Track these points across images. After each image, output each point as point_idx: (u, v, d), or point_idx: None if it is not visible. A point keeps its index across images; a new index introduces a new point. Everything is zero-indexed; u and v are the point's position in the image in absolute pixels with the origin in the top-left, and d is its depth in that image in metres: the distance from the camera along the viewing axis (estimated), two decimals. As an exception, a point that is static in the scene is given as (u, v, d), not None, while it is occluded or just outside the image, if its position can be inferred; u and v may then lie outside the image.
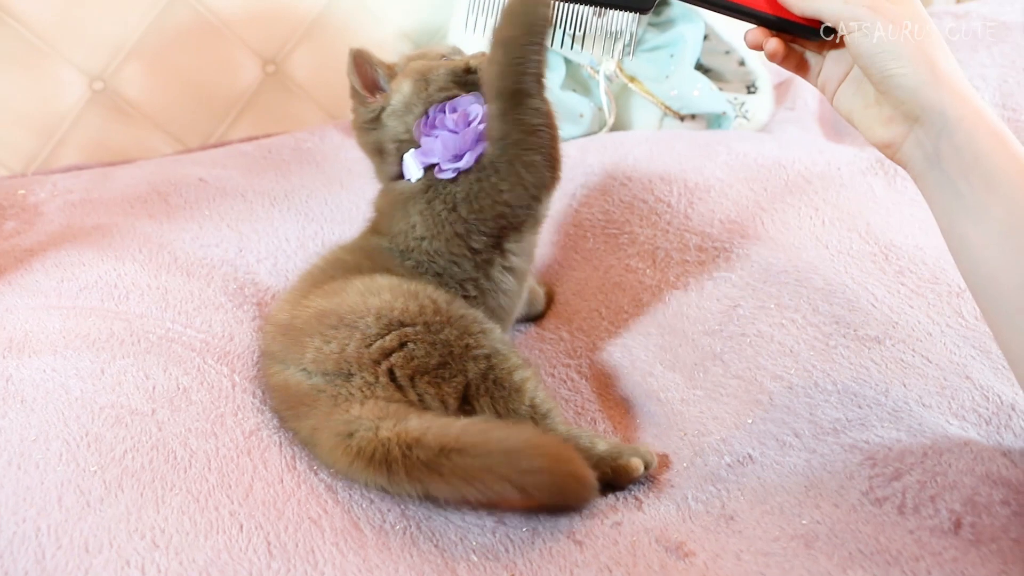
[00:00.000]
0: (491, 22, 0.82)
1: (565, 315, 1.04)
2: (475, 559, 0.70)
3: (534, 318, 1.04)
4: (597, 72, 1.38)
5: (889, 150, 0.74)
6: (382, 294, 0.81)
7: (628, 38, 0.79)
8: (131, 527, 0.67)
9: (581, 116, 1.38)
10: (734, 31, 1.42)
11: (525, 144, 0.84)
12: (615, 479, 0.78)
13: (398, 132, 0.90)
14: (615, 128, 1.41)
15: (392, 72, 0.92)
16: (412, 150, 0.89)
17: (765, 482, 0.76)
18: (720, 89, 1.43)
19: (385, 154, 0.92)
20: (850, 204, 1.11)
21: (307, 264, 0.96)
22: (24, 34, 1.36)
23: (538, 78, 0.83)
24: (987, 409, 0.81)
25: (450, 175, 0.86)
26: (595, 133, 1.39)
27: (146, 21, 1.42)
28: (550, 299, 1.07)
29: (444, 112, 0.87)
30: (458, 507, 0.74)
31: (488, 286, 0.89)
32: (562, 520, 0.74)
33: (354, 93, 0.92)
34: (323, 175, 1.27)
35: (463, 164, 0.86)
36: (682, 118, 1.40)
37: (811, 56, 0.78)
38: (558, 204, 1.15)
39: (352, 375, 0.78)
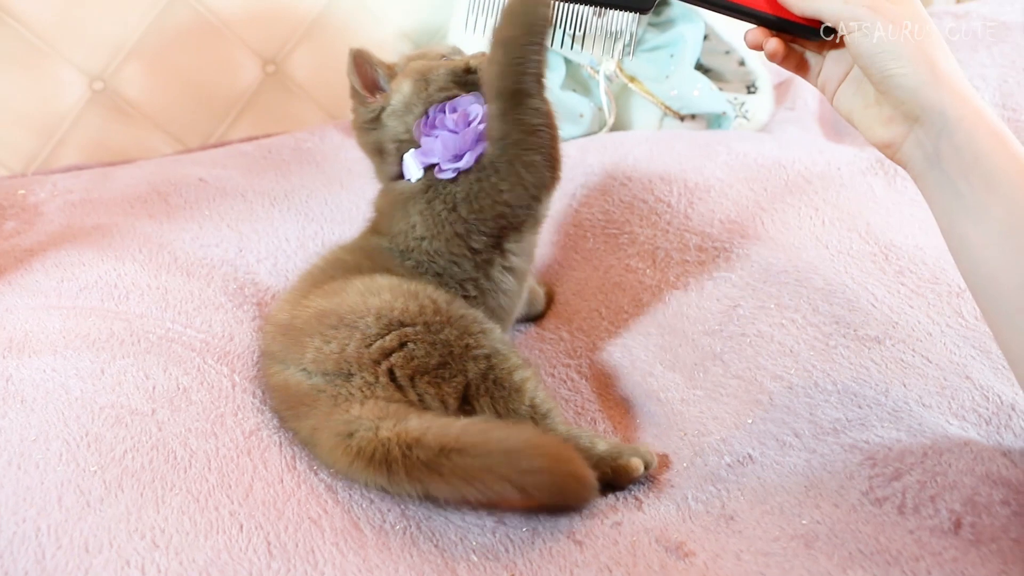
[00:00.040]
0: (491, 22, 0.82)
1: (565, 315, 1.04)
2: (475, 559, 0.70)
3: (534, 318, 1.04)
4: (597, 72, 1.38)
5: (889, 150, 0.74)
6: (382, 294, 0.81)
7: (628, 38, 0.79)
8: (131, 527, 0.67)
9: (581, 116, 1.38)
10: (734, 31, 1.42)
11: (525, 144, 0.84)
12: (615, 479, 0.78)
13: (398, 132, 0.90)
14: (615, 128, 1.41)
15: (392, 72, 0.92)
16: (412, 150, 0.89)
17: (765, 482, 0.76)
18: (720, 89, 1.43)
19: (385, 154, 0.92)
20: (850, 204, 1.11)
21: (307, 264, 0.96)
22: (24, 34, 1.36)
23: (538, 78, 0.83)
24: (987, 409, 0.81)
25: (450, 175, 0.86)
26: (595, 133, 1.39)
27: (146, 21, 1.42)
28: (550, 299, 1.07)
29: (444, 112, 0.87)
30: (458, 507, 0.74)
31: (488, 286, 0.89)
32: (562, 520, 0.74)
33: (354, 93, 0.92)
34: (323, 175, 1.27)
35: (463, 164, 0.86)
36: (682, 118, 1.40)
37: (811, 56, 0.78)
38: (558, 204, 1.15)
39: (352, 375, 0.78)
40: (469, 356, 0.80)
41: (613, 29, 0.79)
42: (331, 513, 0.72)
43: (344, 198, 1.20)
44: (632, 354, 0.95)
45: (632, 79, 1.39)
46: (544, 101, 0.84)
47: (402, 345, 0.79)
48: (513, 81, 0.82)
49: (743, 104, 1.43)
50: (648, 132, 1.36)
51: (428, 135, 0.87)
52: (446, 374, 0.79)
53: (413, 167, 0.88)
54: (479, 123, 0.86)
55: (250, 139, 1.46)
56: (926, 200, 0.73)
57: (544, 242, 1.11)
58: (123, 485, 0.70)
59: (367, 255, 0.90)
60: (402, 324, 0.80)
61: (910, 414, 0.80)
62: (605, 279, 1.06)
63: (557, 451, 0.73)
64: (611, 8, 0.78)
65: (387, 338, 0.79)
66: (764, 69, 1.47)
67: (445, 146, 0.86)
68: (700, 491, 0.77)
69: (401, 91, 0.90)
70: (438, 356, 0.79)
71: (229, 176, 1.25)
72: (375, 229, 0.93)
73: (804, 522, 0.71)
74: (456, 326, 0.80)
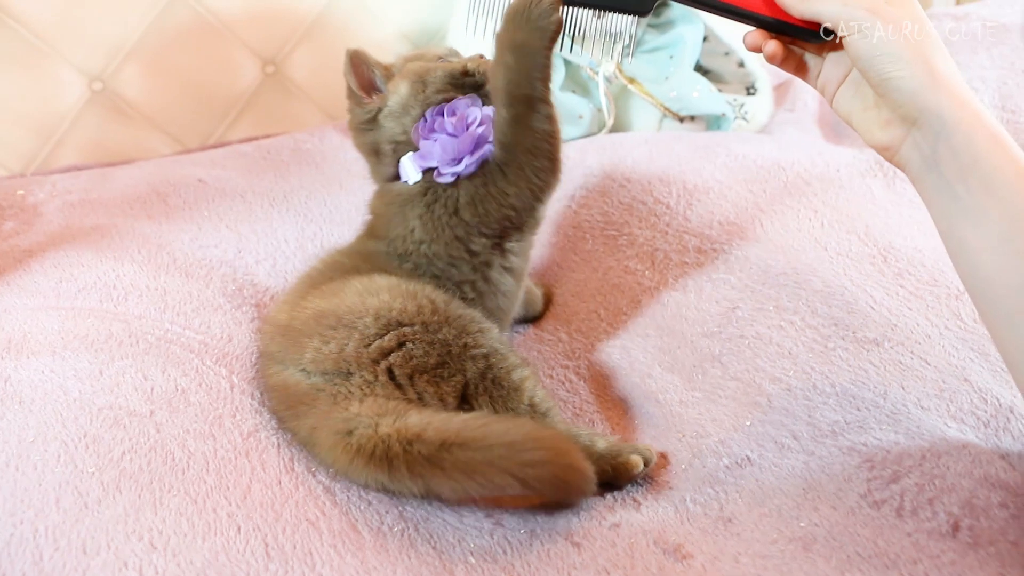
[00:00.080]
0: (492, 25, 0.82)
1: (564, 316, 1.04)
2: (473, 561, 0.70)
3: (532, 319, 1.04)
4: (596, 73, 1.38)
5: (887, 153, 0.74)
6: (380, 294, 0.81)
7: (627, 40, 0.79)
8: (129, 529, 0.67)
9: (580, 117, 1.38)
10: (734, 32, 1.42)
11: (537, 150, 0.85)
12: (615, 477, 0.78)
13: (395, 133, 0.90)
14: (614, 129, 1.41)
15: (389, 73, 0.92)
16: (410, 153, 0.89)
17: (763, 484, 0.76)
18: (719, 90, 1.43)
19: (381, 155, 0.92)
20: (849, 206, 1.11)
21: (306, 266, 0.96)
22: (24, 34, 1.36)
23: (547, 82, 0.83)
24: (985, 412, 0.81)
25: (449, 179, 0.87)
26: (594, 134, 1.39)
27: (146, 22, 1.42)
28: (548, 300, 1.07)
29: (442, 115, 0.87)
30: (456, 508, 0.74)
31: (486, 288, 0.89)
32: (560, 521, 0.74)
33: (350, 94, 0.92)
34: (322, 176, 1.27)
35: (461, 168, 0.86)
36: (681, 119, 1.40)
37: (810, 58, 0.78)
38: (557, 205, 1.15)
39: (351, 374, 0.78)
40: (467, 355, 0.80)
41: (612, 31, 0.79)
42: (329, 515, 0.72)
43: (343, 199, 1.20)
44: (630, 355, 0.95)
45: (631, 80, 1.39)
46: (551, 105, 0.84)
47: (400, 345, 0.79)
48: (527, 87, 0.82)
49: (742, 105, 1.43)
50: (647, 133, 1.36)
51: (426, 138, 0.87)
52: (445, 373, 0.79)
53: (411, 170, 0.88)
54: (478, 126, 0.86)
55: (249, 140, 1.46)
56: (924, 203, 0.73)
57: (543, 243, 1.12)
58: (121, 487, 0.70)
59: (365, 259, 0.90)
60: (400, 324, 0.80)
61: (908, 416, 0.80)
62: (604, 280, 1.06)
63: (557, 443, 0.73)
64: (610, 11, 0.78)
65: (386, 338, 0.79)
66: (763, 71, 1.47)
67: (444, 149, 0.86)
68: (698, 493, 0.77)
69: (398, 92, 0.90)
70: (436, 355, 0.79)
71: (228, 177, 1.25)
72: (371, 233, 0.93)
73: (802, 525, 0.71)
74: (454, 325, 0.81)
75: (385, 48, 1.58)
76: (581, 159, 1.22)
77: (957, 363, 0.86)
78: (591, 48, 0.79)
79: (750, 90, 1.46)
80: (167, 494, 0.70)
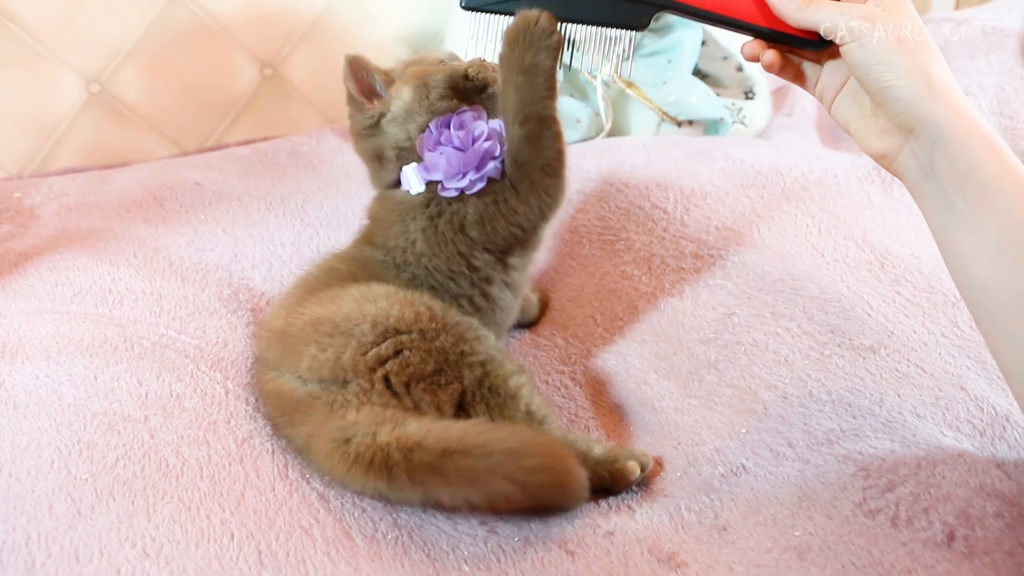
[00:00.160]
0: (492, 46, 0.82)
1: (560, 321, 1.04)
2: (467, 569, 0.70)
3: (528, 324, 1.04)
4: (594, 78, 1.38)
5: (884, 161, 0.74)
6: (378, 301, 0.81)
7: (624, 54, 0.79)
8: (122, 536, 0.67)
9: (578, 121, 1.38)
10: (732, 37, 1.41)
11: (550, 168, 0.85)
12: (612, 484, 0.78)
13: (399, 139, 0.90)
14: (612, 133, 1.40)
15: (389, 78, 0.91)
16: (414, 164, 0.88)
17: (758, 492, 0.76)
18: (718, 95, 1.43)
19: (384, 160, 0.91)
20: (847, 212, 1.11)
21: (302, 270, 0.96)
22: (22, 36, 1.36)
23: (555, 100, 0.84)
24: (981, 420, 0.81)
25: (453, 193, 0.86)
26: (592, 138, 1.39)
27: (143, 24, 1.42)
28: (544, 305, 1.06)
29: (449, 127, 0.87)
30: (450, 515, 0.74)
31: (484, 304, 0.89)
32: (554, 529, 0.73)
33: (351, 100, 0.91)
34: (319, 179, 1.27)
35: (465, 183, 0.85)
36: (679, 124, 1.40)
37: (808, 66, 0.78)
38: (554, 209, 1.14)
39: (348, 382, 0.78)
40: (464, 363, 0.80)
41: (609, 46, 0.79)
42: (323, 522, 0.72)
43: (340, 203, 1.20)
44: (627, 361, 0.95)
45: (629, 84, 1.39)
46: (559, 123, 0.85)
47: (397, 352, 0.79)
48: (539, 106, 0.82)
49: (741, 110, 1.43)
50: (645, 138, 1.36)
51: (432, 150, 0.87)
52: (442, 380, 0.79)
53: (414, 181, 0.88)
54: (484, 140, 0.86)
55: (247, 142, 1.45)
56: (921, 211, 0.73)
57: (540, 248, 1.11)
58: (114, 493, 0.70)
59: (361, 266, 0.89)
60: (398, 331, 0.80)
61: (904, 425, 0.80)
62: (601, 286, 1.06)
63: (555, 450, 0.73)
64: (606, 26, 0.78)
65: (383, 346, 0.79)
66: (762, 75, 1.47)
67: (449, 163, 0.86)
68: (693, 501, 0.77)
69: (401, 97, 0.90)
70: (433, 363, 0.79)
71: (225, 180, 1.25)
72: (368, 239, 0.92)
73: (797, 533, 0.71)
74: (451, 333, 0.81)
75: (383, 50, 1.58)
76: (578, 163, 1.22)
77: (953, 371, 0.86)
78: (589, 59, 0.79)
79: (748, 94, 1.46)
80: (160, 501, 0.70)
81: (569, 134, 1.36)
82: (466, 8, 0.79)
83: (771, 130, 1.45)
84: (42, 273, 1.00)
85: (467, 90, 0.89)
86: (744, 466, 0.79)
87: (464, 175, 0.86)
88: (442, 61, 0.93)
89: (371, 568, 0.68)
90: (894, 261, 1.01)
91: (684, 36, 1.40)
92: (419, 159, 0.89)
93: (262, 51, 1.52)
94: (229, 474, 0.74)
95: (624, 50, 0.78)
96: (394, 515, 0.74)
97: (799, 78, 0.79)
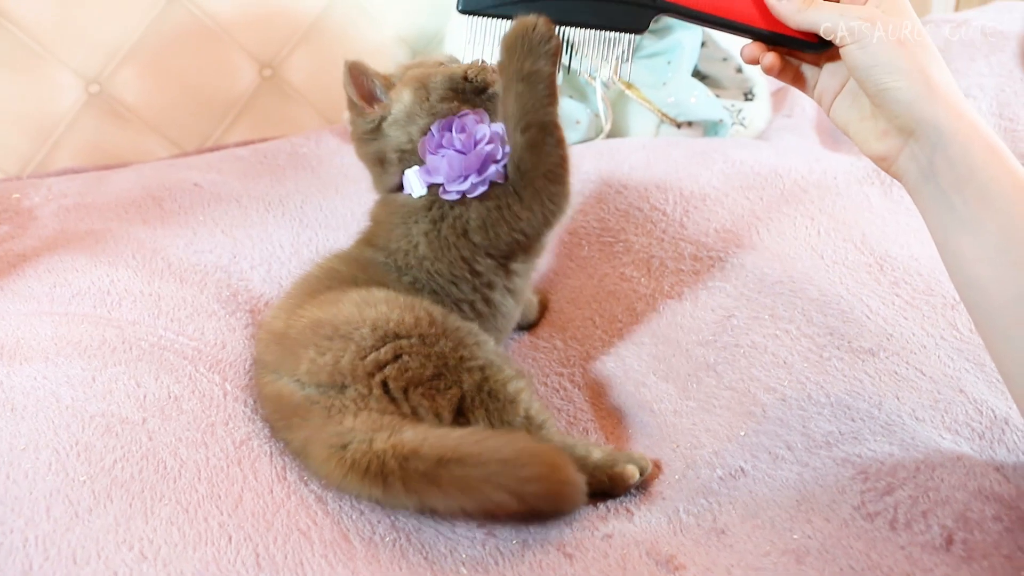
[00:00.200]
0: (490, 50, 0.81)
1: (559, 323, 1.04)
2: (465, 572, 0.70)
3: (528, 326, 1.04)
4: (594, 79, 1.38)
5: (884, 163, 0.74)
6: (378, 306, 0.81)
7: (623, 56, 0.78)
8: (119, 538, 0.66)
9: (578, 123, 1.38)
10: (732, 39, 1.42)
11: (554, 175, 0.85)
12: (611, 487, 0.79)
13: (401, 142, 0.90)
14: (612, 135, 1.40)
15: (388, 83, 0.91)
16: (416, 167, 0.88)
17: (757, 496, 0.76)
18: (717, 96, 1.43)
19: (387, 164, 0.91)
20: (846, 214, 1.11)
21: (301, 271, 0.96)
22: (21, 37, 1.36)
23: (556, 106, 0.83)
24: (980, 423, 0.81)
25: (454, 196, 0.86)
26: (591, 140, 1.39)
27: (143, 24, 1.42)
28: (544, 307, 1.06)
29: (451, 130, 0.87)
30: (448, 518, 0.74)
31: (486, 310, 0.89)
32: (552, 532, 0.73)
33: (351, 105, 0.91)
34: (318, 180, 1.27)
35: (467, 186, 0.85)
36: (679, 125, 1.40)
37: (807, 68, 0.78)
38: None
39: (346, 387, 0.78)
40: (464, 368, 0.79)
41: (608, 49, 0.79)
42: (320, 525, 0.72)
43: (339, 204, 1.20)
44: (625, 364, 0.95)
45: (629, 86, 1.39)
46: (561, 129, 0.85)
47: (397, 357, 0.79)
48: (541, 113, 0.82)
49: (740, 111, 1.43)
50: (645, 139, 1.35)
51: (433, 153, 0.87)
52: (441, 385, 0.79)
53: (416, 184, 0.88)
54: (486, 144, 0.86)
55: (246, 143, 1.45)
56: (921, 214, 0.73)
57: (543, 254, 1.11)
58: (112, 495, 0.70)
59: (362, 268, 0.89)
60: (397, 336, 0.79)
61: (903, 428, 0.80)
62: (600, 287, 1.06)
63: (552, 458, 0.73)
64: (605, 30, 0.77)
65: (382, 350, 0.79)
66: (761, 76, 1.47)
67: (451, 166, 0.86)
68: (691, 504, 0.77)
69: (402, 100, 0.89)
70: (432, 367, 0.79)
71: (224, 181, 1.25)
72: (370, 240, 0.92)
73: (795, 537, 0.71)
74: (451, 338, 0.80)
75: (383, 52, 1.58)
76: (578, 165, 1.21)
77: (952, 374, 0.86)
78: (588, 61, 0.79)
79: (748, 96, 1.46)
80: (158, 503, 0.70)
81: (568, 135, 1.35)
82: (463, 12, 0.78)
83: (770, 131, 1.45)
84: (40, 274, 1.00)
85: (467, 92, 0.89)
86: (743, 469, 0.79)
87: (465, 178, 0.86)
88: (441, 64, 0.93)
89: (369, 571, 0.68)
90: (893, 263, 1.00)
91: (684, 37, 1.39)
92: (421, 162, 0.88)
93: (261, 52, 1.52)
94: (227, 476, 0.74)
95: (623, 52, 0.78)
96: (392, 518, 0.74)
97: (798, 80, 0.79)
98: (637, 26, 0.77)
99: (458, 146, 0.86)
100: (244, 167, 1.30)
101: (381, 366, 0.78)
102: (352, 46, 1.55)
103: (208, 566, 0.66)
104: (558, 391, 0.94)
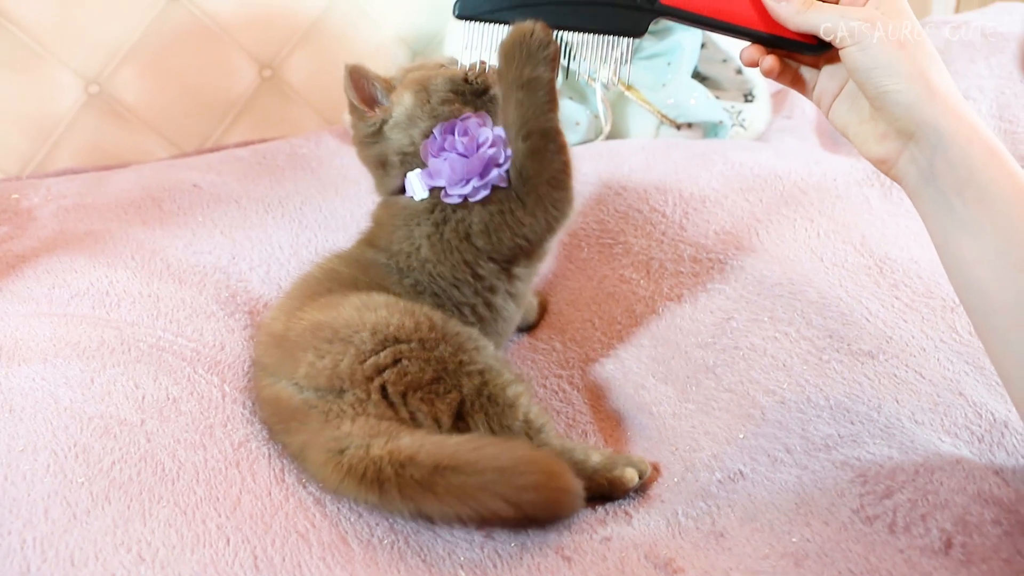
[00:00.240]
0: (488, 54, 0.81)
1: (558, 325, 1.04)
2: (463, 574, 0.70)
3: (527, 328, 1.04)
4: (594, 80, 1.38)
5: (884, 166, 0.74)
6: (378, 310, 0.81)
7: (622, 58, 0.78)
8: (117, 540, 0.66)
9: (577, 124, 1.38)
10: (731, 40, 1.42)
11: (556, 181, 0.85)
12: (610, 490, 0.79)
13: (403, 144, 0.89)
14: (611, 136, 1.40)
15: (389, 86, 0.91)
16: (418, 170, 0.88)
17: (755, 499, 0.76)
18: (717, 97, 1.43)
19: (389, 167, 0.91)
20: (846, 216, 1.11)
21: (301, 271, 0.96)
22: (20, 37, 1.36)
23: (556, 112, 0.83)
24: (980, 427, 0.80)
25: (456, 200, 0.86)
26: (591, 141, 1.39)
27: (143, 25, 1.42)
28: (543, 309, 1.06)
29: (453, 133, 0.87)
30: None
31: (487, 314, 0.89)
32: (551, 535, 0.73)
33: (353, 109, 0.91)
34: (318, 181, 1.26)
35: (468, 190, 0.85)
36: (679, 127, 1.40)
37: (806, 71, 0.78)
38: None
39: (344, 391, 0.78)
40: (463, 372, 0.79)
41: (607, 52, 0.78)
42: (319, 527, 0.72)
43: (339, 205, 1.19)
44: (624, 366, 0.95)
45: (629, 87, 1.39)
46: (562, 135, 0.85)
47: (396, 361, 0.78)
48: (542, 120, 0.82)
49: (740, 113, 1.43)
50: (644, 141, 1.35)
51: (436, 156, 0.87)
52: (440, 389, 0.79)
53: (418, 187, 0.88)
54: (489, 147, 0.85)
55: (246, 144, 1.45)
56: (921, 216, 0.73)
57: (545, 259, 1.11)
58: (110, 497, 0.70)
59: (363, 269, 0.89)
60: (397, 340, 0.79)
61: (902, 431, 0.79)
62: (599, 289, 1.05)
63: (549, 466, 0.73)
64: (604, 34, 0.77)
65: (382, 354, 0.79)
66: (761, 78, 1.46)
67: (453, 169, 0.85)
68: (690, 507, 0.77)
69: (403, 103, 0.89)
70: (432, 372, 0.79)
71: (223, 182, 1.25)
72: (371, 241, 0.92)
73: (794, 540, 0.71)
74: (451, 343, 0.80)
75: (383, 52, 1.58)
76: (577, 166, 1.18)
77: (952, 377, 0.86)
78: (587, 64, 0.79)
79: (748, 97, 1.46)
80: (156, 505, 0.70)
81: (568, 136, 1.34)
82: (459, 17, 0.78)
83: (770, 133, 1.45)
84: (39, 275, 1.00)
85: (468, 94, 0.89)
86: (741, 472, 0.79)
87: (467, 182, 0.85)
88: (442, 66, 0.93)
89: (367, 573, 0.68)
90: (893, 266, 1.00)
91: (683, 39, 1.39)
92: (423, 164, 0.88)
93: (261, 52, 1.52)
94: (225, 478, 0.74)
95: (622, 54, 0.78)
96: (390, 520, 0.74)
97: (797, 83, 0.79)
98: (635, 30, 0.77)
99: (460, 149, 0.86)
100: (243, 168, 1.30)
101: (380, 370, 0.78)
102: (352, 47, 1.55)
103: (206, 568, 0.65)
104: (557, 393, 0.94)
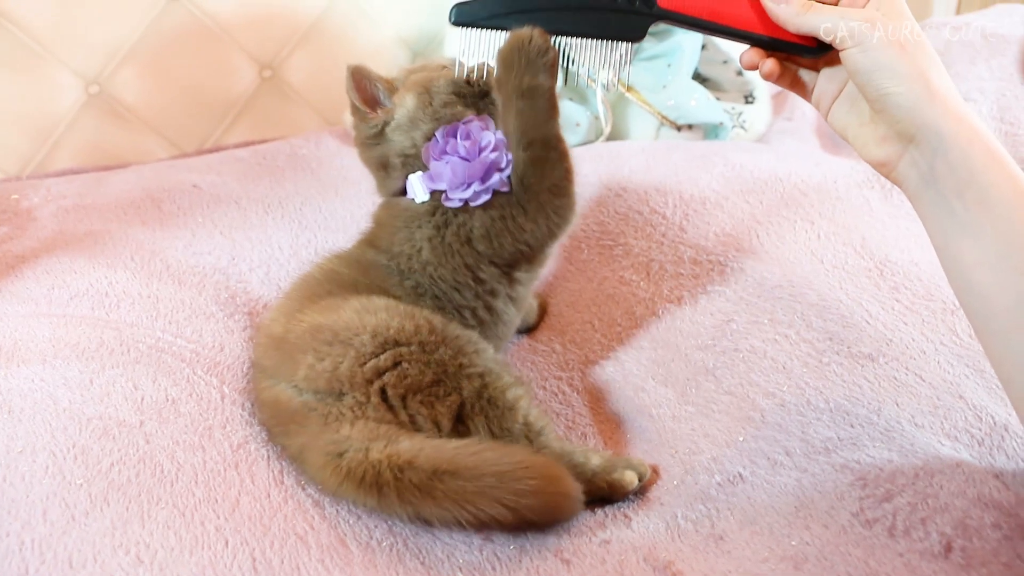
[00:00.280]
0: (485, 59, 0.81)
1: (558, 327, 1.03)
2: (462, 577, 0.70)
3: (527, 330, 1.04)
4: (594, 81, 1.38)
5: (884, 169, 0.73)
6: (379, 313, 0.81)
7: (621, 61, 0.78)
8: (116, 542, 0.66)
9: (577, 125, 1.38)
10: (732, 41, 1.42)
11: (558, 189, 0.85)
12: (610, 493, 0.78)
13: (404, 146, 0.89)
14: (612, 137, 1.40)
15: (392, 87, 0.91)
16: (419, 172, 0.88)
17: (755, 502, 0.76)
18: (717, 99, 1.43)
19: (390, 168, 0.91)
20: (846, 218, 1.11)
21: (301, 272, 0.95)
22: (20, 37, 1.36)
23: (557, 119, 0.83)
24: (980, 430, 0.80)
25: (456, 204, 0.86)
26: (591, 142, 1.39)
27: (143, 24, 1.42)
28: (543, 310, 1.06)
29: (455, 137, 0.86)
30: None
31: (487, 317, 0.89)
32: (550, 538, 0.73)
33: (355, 110, 0.91)
34: (318, 182, 1.26)
35: (469, 194, 0.85)
36: (679, 128, 1.39)
37: (804, 73, 0.78)
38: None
39: (343, 394, 0.77)
40: (463, 375, 0.79)
41: (606, 55, 0.78)
42: (318, 529, 0.71)
43: (339, 206, 1.19)
44: (624, 368, 0.95)
45: (629, 88, 1.39)
46: (564, 141, 0.85)
47: (396, 364, 0.78)
48: (543, 128, 0.82)
49: (740, 114, 1.43)
50: (645, 142, 1.35)
51: (437, 159, 0.86)
52: (440, 392, 0.78)
53: (419, 189, 0.88)
54: (491, 151, 0.85)
55: (246, 144, 1.45)
56: (921, 219, 0.73)
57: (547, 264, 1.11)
58: (109, 499, 0.70)
59: (364, 270, 0.89)
60: (397, 343, 0.79)
61: (902, 434, 0.79)
62: (599, 291, 1.05)
63: (548, 471, 0.73)
64: (602, 39, 0.77)
65: (382, 357, 0.78)
66: (762, 79, 1.46)
67: (455, 173, 0.85)
68: (690, 510, 0.77)
69: (405, 105, 0.89)
70: (432, 374, 0.79)
71: (223, 182, 1.24)
72: (372, 242, 0.92)
73: (793, 543, 0.71)
74: (451, 346, 0.80)
75: (383, 53, 1.58)
76: (577, 168, 1.19)
77: (952, 379, 0.86)
78: (586, 67, 0.79)
79: (748, 99, 1.46)
80: (155, 506, 0.70)
81: (568, 138, 1.35)
82: (455, 24, 0.77)
83: (771, 134, 1.45)
84: (39, 276, 1.00)
85: (471, 96, 0.89)
86: (741, 475, 0.79)
87: (468, 185, 0.85)
88: (445, 67, 0.93)
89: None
90: (893, 268, 1.00)
91: (684, 40, 1.39)
92: (424, 167, 0.88)
93: (261, 52, 1.52)
94: (224, 480, 0.74)
95: (621, 57, 0.77)
96: (389, 522, 0.73)
97: (796, 85, 0.79)
98: (634, 35, 0.77)
99: (462, 153, 0.85)
100: (243, 168, 1.30)
101: (380, 373, 0.78)
102: (352, 47, 1.55)
103: (204, 570, 0.65)
104: (557, 395, 0.94)
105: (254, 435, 0.80)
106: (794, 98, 1.53)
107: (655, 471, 0.82)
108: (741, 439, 0.82)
